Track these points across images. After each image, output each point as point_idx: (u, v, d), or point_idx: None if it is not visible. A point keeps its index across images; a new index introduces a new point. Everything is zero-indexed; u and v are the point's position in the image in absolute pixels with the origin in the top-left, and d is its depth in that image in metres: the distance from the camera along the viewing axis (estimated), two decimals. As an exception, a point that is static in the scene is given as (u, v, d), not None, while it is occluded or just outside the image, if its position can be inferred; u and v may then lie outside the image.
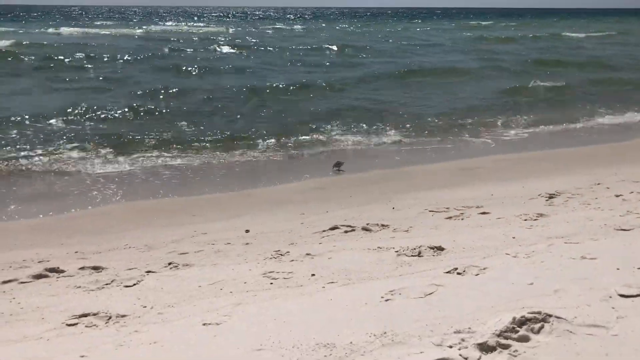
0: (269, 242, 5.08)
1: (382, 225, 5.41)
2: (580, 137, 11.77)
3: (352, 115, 13.20)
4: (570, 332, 2.75)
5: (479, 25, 61.72)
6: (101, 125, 11.91)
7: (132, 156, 9.73)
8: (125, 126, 11.87)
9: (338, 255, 4.39)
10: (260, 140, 10.91)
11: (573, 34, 44.29)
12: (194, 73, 20.37)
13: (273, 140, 10.97)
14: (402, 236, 4.96)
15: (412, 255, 4.24)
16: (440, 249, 4.36)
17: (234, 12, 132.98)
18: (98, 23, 55.29)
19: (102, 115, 12.76)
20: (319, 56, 27.09)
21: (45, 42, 29.89)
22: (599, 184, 6.97)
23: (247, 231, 5.61)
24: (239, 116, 13.18)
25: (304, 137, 11.28)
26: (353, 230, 5.33)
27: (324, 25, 59.06)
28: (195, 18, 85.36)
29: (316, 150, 10.45)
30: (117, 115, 12.89)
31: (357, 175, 8.72)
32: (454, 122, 12.83)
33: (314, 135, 11.44)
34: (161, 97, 15.49)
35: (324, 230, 5.37)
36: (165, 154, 9.91)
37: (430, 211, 5.98)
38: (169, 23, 61.93)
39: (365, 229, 5.33)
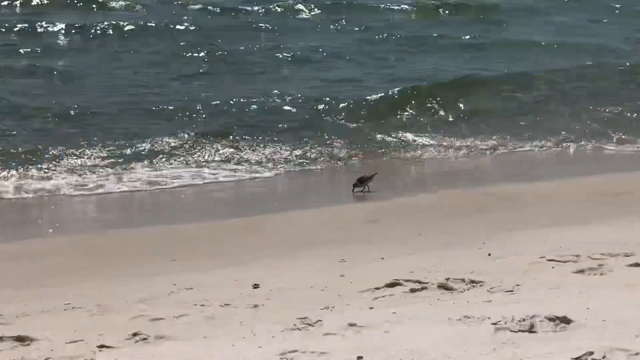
0: (289, 305, 5.10)
1: (472, 281, 5.40)
2: None
3: (426, 119, 13.04)
4: None
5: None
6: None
7: (84, 171, 9.90)
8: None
9: (400, 328, 4.38)
10: (279, 148, 10.95)
11: None
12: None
13: (297, 150, 10.97)
14: (504, 300, 4.94)
15: (519, 331, 4.21)
16: (566, 321, 4.31)
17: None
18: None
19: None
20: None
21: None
22: None
23: (255, 286, 5.65)
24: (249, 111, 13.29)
25: (351, 144, 11.30)
26: (424, 288, 5.31)
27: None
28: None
29: (374, 161, 10.46)
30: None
31: (432, 199, 8.73)
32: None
33: (366, 141, 11.46)
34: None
35: (377, 288, 5.36)
36: (137, 168, 9.95)
37: (549, 260, 5.93)
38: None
39: (443, 286, 5.32)
